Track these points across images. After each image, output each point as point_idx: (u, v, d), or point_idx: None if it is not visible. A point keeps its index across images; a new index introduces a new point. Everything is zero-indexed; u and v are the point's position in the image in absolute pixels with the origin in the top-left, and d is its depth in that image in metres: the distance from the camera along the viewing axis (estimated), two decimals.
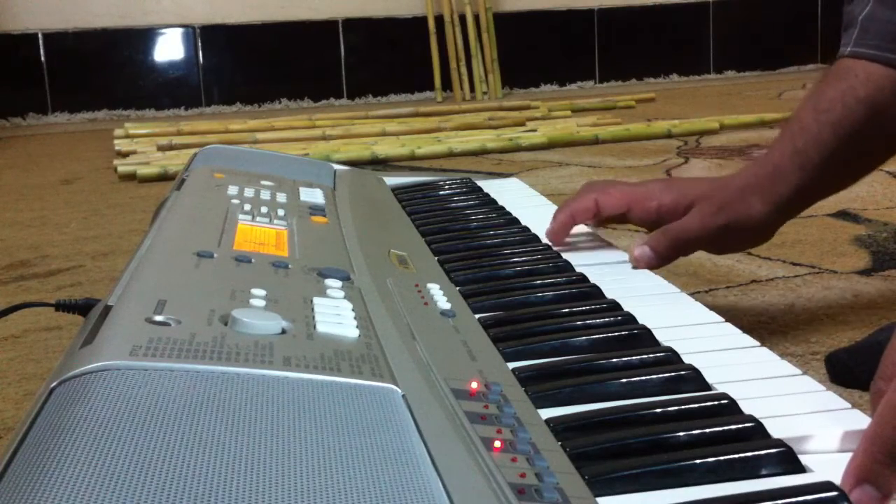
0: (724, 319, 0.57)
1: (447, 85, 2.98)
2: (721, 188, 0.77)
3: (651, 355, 0.51)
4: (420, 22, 2.99)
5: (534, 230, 0.79)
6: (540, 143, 1.96)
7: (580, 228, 0.80)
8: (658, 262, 0.75)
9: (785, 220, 0.79)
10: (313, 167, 0.96)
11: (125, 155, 2.00)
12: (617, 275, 0.68)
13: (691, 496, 0.37)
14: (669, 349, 0.51)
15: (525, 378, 0.48)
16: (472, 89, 2.95)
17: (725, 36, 3.35)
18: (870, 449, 0.38)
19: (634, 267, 0.73)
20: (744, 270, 1.00)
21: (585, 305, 0.59)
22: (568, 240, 0.78)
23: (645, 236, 0.77)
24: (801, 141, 0.76)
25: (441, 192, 0.95)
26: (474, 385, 0.45)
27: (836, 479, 0.38)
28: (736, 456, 0.39)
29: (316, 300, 0.51)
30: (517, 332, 0.55)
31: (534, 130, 2.11)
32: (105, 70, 2.86)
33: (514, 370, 0.49)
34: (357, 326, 0.47)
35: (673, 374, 0.48)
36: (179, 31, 2.91)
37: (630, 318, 0.56)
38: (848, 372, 0.68)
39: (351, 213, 0.78)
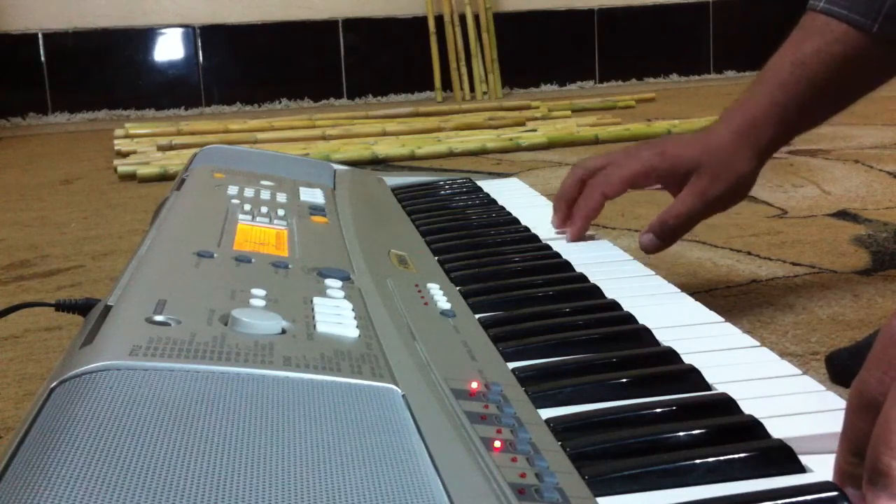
0: (724, 319, 0.57)
1: (447, 85, 2.98)
2: (710, 153, 0.80)
3: (651, 355, 0.51)
4: (420, 22, 2.99)
5: (534, 230, 0.79)
6: (540, 143, 1.96)
7: None
8: (664, 246, 0.82)
9: (762, 166, 0.83)
10: (313, 167, 0.96)
11: (125, 155, 2.01)
12: (617, 275, 0.68)
13: (691, 496, 0.37)
14: (669, 349, 0.51)
15: (525, 378, 0.48)
16: (472, 89, 2.96)
17: (725, 36, 3.36)
18: (841, 450, 0.38)
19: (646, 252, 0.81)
20: (744, 270, 1.00)
21: (585, 305, 0.59)
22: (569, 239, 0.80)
23: (647, 224, 0.82)
24: (780, 94, 0.80)
25: (441, 192, 0.95)
26: (474, 385, 0.45)
27: None
28: (736, 456, 0.39)
29: (316, 300, 0.51)
30: (517, 331, 0.55)
31: (534, 130, 2.11)
32: (105, 70, 2.86)
33: (514, 370, 0.49)
34: (357, 326, 0.47)
35: (673, 374, 0.48)
36: (179, 31, 2.91)
37: (630, 318, 0.56)
38: (848, 372, 0.68)
39: (351, 213, 0.78)
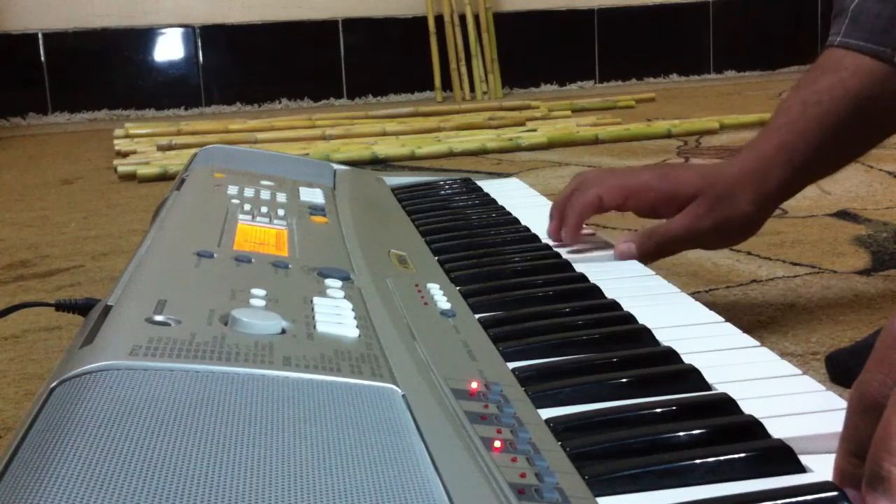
0: (724, 319, 0.57)
1: (447, 85, 2.98)
2: (712, 184, 0.78)
3: (651, 355, 0.51)
4: (420, 22, 2.99)
5: (534, 230, 0.79)
6: (540, 143, 1.96)
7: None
8: (641, 260, 0.76)
9: (770, 214, 0.80)
10: (313, 167, 0.96)
11: (125, 155, 2.01)
12: (617, 275, 0.68)
13: (691, 496, 0.37)
14: (669, 349, 0.51)
15: (525, 378, 0.48)
16: (472, 89, 2.95)
17: (725, 36, 3.36)
18: (841, 450, 0.38)
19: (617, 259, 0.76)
20: (744, 270, 1.00)
21: (585, 305, 0.59)
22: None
23: (631, 233, 0.78)
24: (789, 134, 0.77)
25: (441, 192, 0.95)
26: (474, 385, 0.45)
27: None
28: (736, 456, 0.39)
29: (316, 300, 0.51)
30: (517, 331, 0.55)
31: (534, 130, 2.11)
32: (105, 70, 2.86)
33: (514, 370, 0.49)
34: (357, 326, 0.47)
35: (673, 374, 0.48)
36: (179, 31, 2.91)
37: (630, 318, 0.56)
38: (848, 372, 0.68)
39: (351, 213, 0.78)
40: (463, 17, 2.95)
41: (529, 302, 0.61)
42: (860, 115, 0.77)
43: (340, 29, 3.01)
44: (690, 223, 0.77)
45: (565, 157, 1.86)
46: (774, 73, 3.33)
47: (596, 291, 0.62)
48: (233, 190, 0.75)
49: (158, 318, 0.44)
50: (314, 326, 0.46)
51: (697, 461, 0.39)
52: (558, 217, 0.78)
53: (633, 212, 0.81)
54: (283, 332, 0.45)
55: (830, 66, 0.78)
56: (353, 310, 0.50)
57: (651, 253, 0.78)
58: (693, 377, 0.48)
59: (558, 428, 0.42)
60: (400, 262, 0.66)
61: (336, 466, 0.33)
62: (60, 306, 0.62)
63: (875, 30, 0.76)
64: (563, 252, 0.73)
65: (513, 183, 1.05)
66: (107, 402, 0.35)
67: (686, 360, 0.50)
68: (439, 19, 2.96)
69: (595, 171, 0.82)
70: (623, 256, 0.75)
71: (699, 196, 0.77)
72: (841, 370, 0.70)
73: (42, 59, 2.80)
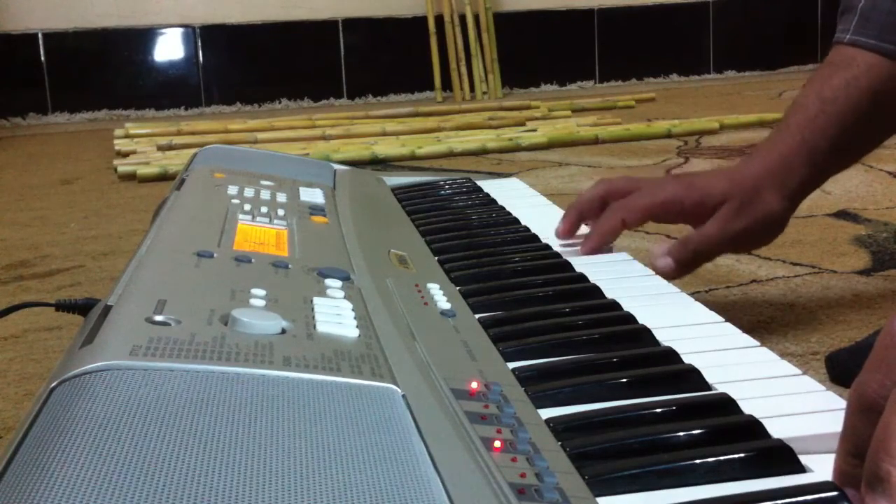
0: (724, 319, 0.57)
1: (447, 85, 2.98)
2: (737, 187, 0.77)
3: (651, 355, 0.51)
4: (420, 22, 2.99)
5: (534, 230, 0.79)
6: (540, 143, 1.96)
7: (581, 229, 0.80)
8: (680, 273, 0.77)
9: (793, 212, 0.80)
10: (313, 167, 0.96)
11: (125, 155, 2.01)
12: (617, 275, 0.68)
13: (691, 496, 0.37)
14: (669, 349, 0.51)
15: (525, 378, 0.48)
16: (472, 89, 2.96)
17: (725, 36, 3.36)
18: (840, 450, 0.38)
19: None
20: (744, 270, 1.00)
21: (585, 305, 0.59)
22: (570, 240, 0.78)
23: (666, 245, 0.78)
24: (808, 131, 0.77)
25: (441, 192, 0.95)
26: (474, 385, 0.45)
27: None
28: (736, 456, 0.39)
29: (316, 300, 0.51)
30: (517, 331, 0.55)
31: (534, 130, 2.11)
32: (105, 70, 2.86)
33: (514, 370, 0.49)
34: (357, 326, 0.47)
35: (673, 374, 0.48)
36: (179, 31, 2.91)
37: (630, 318, 0.56)
38: (848, 372, 0.68)
39: (351, 213, 0.78)
40: (463, 17, 2.95)
41: (529, 302, 0.61)
42: (875, 110, 0.77)
43: (340, 29, 3.01)
44: (723, 224, 0.76)
45: (565, 157, 1.86)
46: (774, 73, 3.33)
47: (596, 291, 0.62)
48: (233, 190, 0.75)
49: (158, 318, 0.44)
50: (314, 326, 0.46)
51: (697, 461, 0.39)
52: (573, 223, 0.78)
53: (661, 223, 0.81)
54: (283, 332, 0.45)
55: (842, 64, 0.77)
56: (353, 310, 0.50)
57: (689, 261, 0.77)
58: (693, 377, 0.48)
59: (558, 428, 0.42)
60: (400, 262, 0.66)
61: (336, 466, 0.33)
62: (60, 306, 0.61)
63: (886, 28, 0.75)
64: (563, 252, 0.73)
65: (513, 183, 1.05)
66: (107, 402, 0.35)
67: (686, 360, 0.50)
68: (439, 19, 2.96)
69: (622, 185, 0.80)
70: (662, 269, 0.74)
71: (727, 200, 0.77)
72: (841, 370, 0.70)
73: (42, 59, 2.80)
